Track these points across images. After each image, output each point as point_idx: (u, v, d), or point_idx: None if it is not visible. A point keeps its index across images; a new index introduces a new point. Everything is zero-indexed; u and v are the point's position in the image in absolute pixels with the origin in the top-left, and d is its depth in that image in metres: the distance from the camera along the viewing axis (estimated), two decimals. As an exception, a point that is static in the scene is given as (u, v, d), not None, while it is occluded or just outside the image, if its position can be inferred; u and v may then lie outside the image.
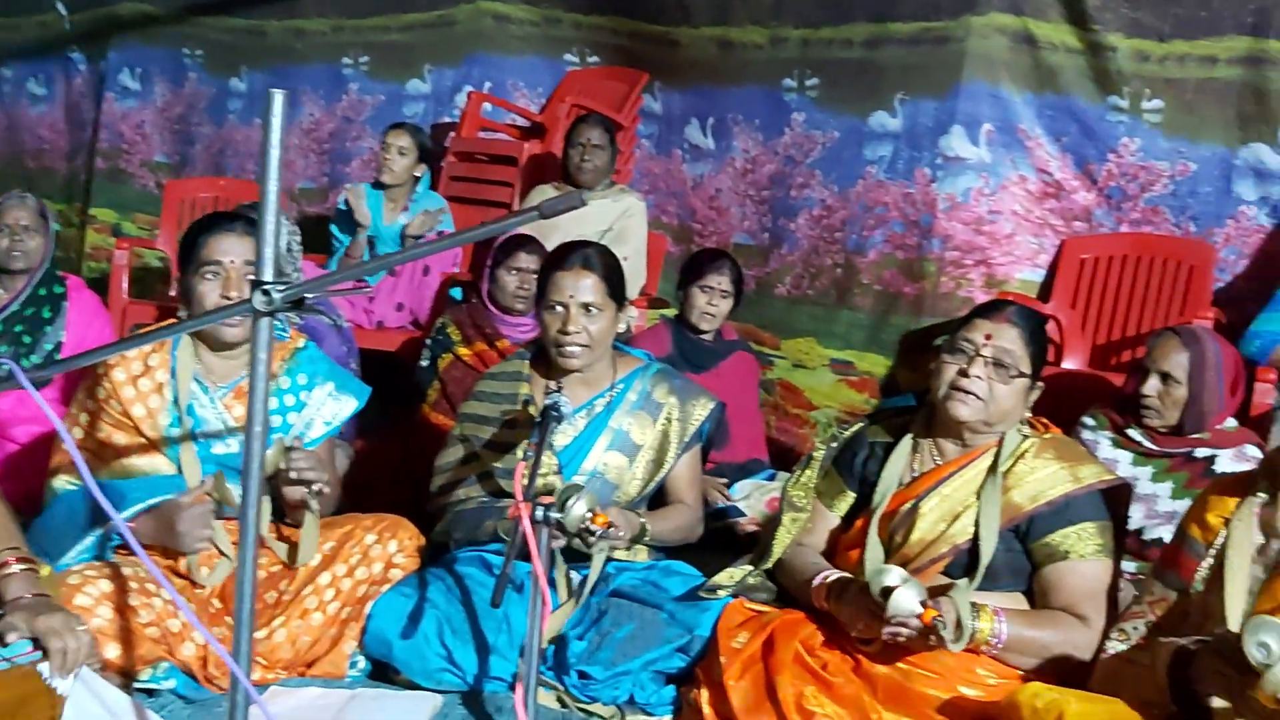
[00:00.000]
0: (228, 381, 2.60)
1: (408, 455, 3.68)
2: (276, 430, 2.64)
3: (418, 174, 4.70)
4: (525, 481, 2.10)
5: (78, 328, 3.82)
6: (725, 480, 3.76)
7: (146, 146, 6.58)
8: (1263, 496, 1.99)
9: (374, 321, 4.50)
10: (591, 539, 2.28)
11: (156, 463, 2.55)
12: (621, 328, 2.73)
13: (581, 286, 2.60)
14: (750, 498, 3.69)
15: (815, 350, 4.73)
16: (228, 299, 2.43)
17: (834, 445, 2.61)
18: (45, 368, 1.77)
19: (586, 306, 2.60)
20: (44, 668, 1.85)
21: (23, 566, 1.97)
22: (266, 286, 1.57)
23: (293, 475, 2.39)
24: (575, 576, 2.53)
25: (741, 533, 3.50)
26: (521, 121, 5.41)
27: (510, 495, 2.49)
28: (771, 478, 3.84)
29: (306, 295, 1.62)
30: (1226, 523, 2.01)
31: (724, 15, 4.91)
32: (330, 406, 2.73)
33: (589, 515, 2.21)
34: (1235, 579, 1.95)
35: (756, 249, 4.92)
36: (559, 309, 2.62)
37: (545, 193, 4.59)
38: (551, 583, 2.45)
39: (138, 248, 5.29)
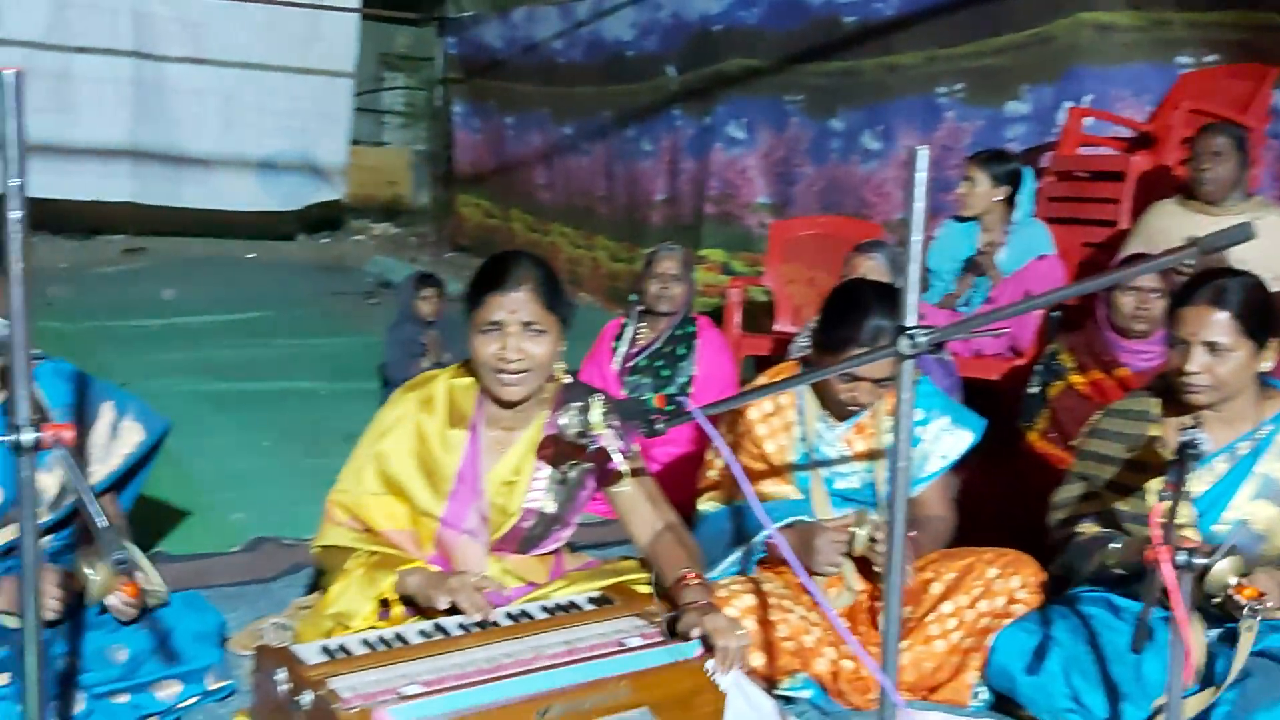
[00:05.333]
0: (847, 419, 2.76)
1: (1012, 486, 3.62)
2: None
3: (996, 198, 4.57)
4: (1164, 522, 1.99)
5: (706, 362, 4.25)
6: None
7: (750, 190, 7.16)
8: None
9: (972, 350, 4.49)
10: (1238, 611, 2.13)
11: (786, 492, 2.79)
12: (1267, 365, 2.47)
13: (1210, 325, 2.41)
14: None
15: None
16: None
17: None
18: (676, 418, 2.04)
19: (1212, 345, 2.41)
20: (709, 665, 2.09)
21: (698, 580, 2.26)
22: (911, 331, 1.67)
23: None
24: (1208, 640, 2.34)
25: None
26: (1126, 133, 5.10)
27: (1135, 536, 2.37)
28: None
29: (948, 339, 1.69)
30: None
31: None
32: (947, 441, 2.79)
33: (1233, 583, 2.07)
34: None
35: None
36: (1180, 345, 2.46)
37: (1166, 209, 4.21)
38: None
39: (748, 285, 5.76)
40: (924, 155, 1.67)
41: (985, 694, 2.53)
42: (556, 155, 9.59)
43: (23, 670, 1.88)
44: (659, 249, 4.31)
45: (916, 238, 1.69)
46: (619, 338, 4.33)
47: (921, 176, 1.67)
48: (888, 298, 2.59)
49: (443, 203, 12.33)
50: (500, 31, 10.43)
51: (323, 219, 12.13)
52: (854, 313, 2.59)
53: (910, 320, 1.69)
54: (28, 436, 1.64)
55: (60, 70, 9.71)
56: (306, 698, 1.73)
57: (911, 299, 1.71)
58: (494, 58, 10.66)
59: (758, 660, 2.45)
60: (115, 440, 2.60)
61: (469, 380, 2.45)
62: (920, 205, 1.68)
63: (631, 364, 4.26)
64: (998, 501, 3.62)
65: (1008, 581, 2.56)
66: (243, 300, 8.32)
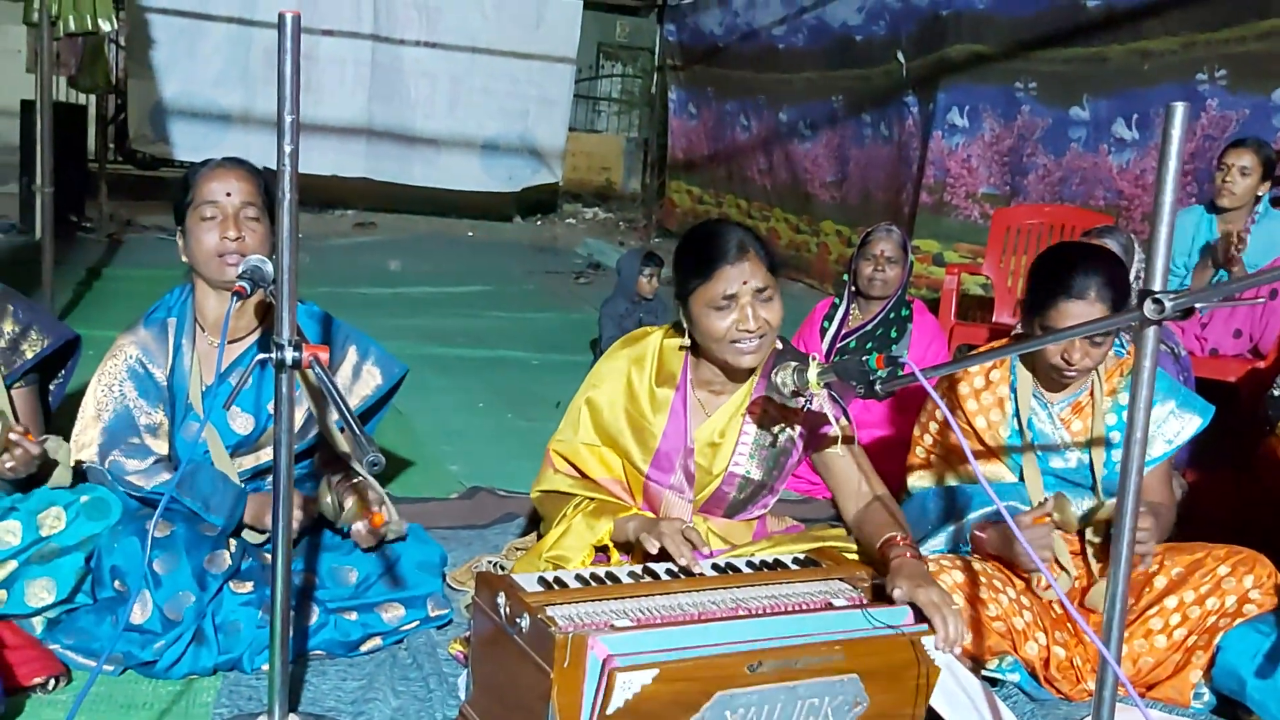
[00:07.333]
0: (1061, 393, 2.67)
1: (1248, 492, 3.43)
2: (1116, 446, 2.63)
3: (1261, 193, 4.32)
4: None
5: (919, 347, 4.16)
6: None
7: (972, 179, 6.95)
8: None
9: (1207, 349, 4.25)
10: None
11: (998, 471, 2.71)
12: None
13: None
14: None
15: None
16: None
17: None
18: (894, 381, 1.99)
19: None
20: (927, 641, 1.95)
21: (908, 543, 2.21)
22: (1158, 295, 1.60)
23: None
24: None
25: None
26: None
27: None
28: None
29: (1197, 305, 1.61)
30: None
31: None
32: (1172, 424, 2.67)
33: None
34: None
35: None
36: None
37: None
38: None
39: (964, 273, 5.61)
40: (1180, 111, 1.60)
41: (1208, 696, 2.39)
42: (775, 141, 9.58)
43: (269, 580, 2.04)
44: (875, 229, 4.24)
45: (1169, 198, 1.62)
46: (828, 318, 4.29)
47: (1177, 134, 1.60)
48: (1103, 257, 2.49)
49: (652, 189, 12.52)
50: (721, 18, 10.49)
51: (538, 202, 12.53)
52: (1061, 264, 2.51)
53: (1157, 285, 1.63)
54: (290, 354, 1.78)
55: (307, 51, 10.35)
56: (525, 621, 1.81)
57: (1160, 264, 1.64)
58: (713, 44, 10.73)
59: (965, 638, 2.39)
60: (357, 382, 2.73)
61: (679, 340, 2.49)
62: (1174, 164, 1.61)
63: (840, 345, 4.22)
64: (1232, 506, 3.46)
65: (1240, 581, 2.41)
66: (462, 275, 8.70)
